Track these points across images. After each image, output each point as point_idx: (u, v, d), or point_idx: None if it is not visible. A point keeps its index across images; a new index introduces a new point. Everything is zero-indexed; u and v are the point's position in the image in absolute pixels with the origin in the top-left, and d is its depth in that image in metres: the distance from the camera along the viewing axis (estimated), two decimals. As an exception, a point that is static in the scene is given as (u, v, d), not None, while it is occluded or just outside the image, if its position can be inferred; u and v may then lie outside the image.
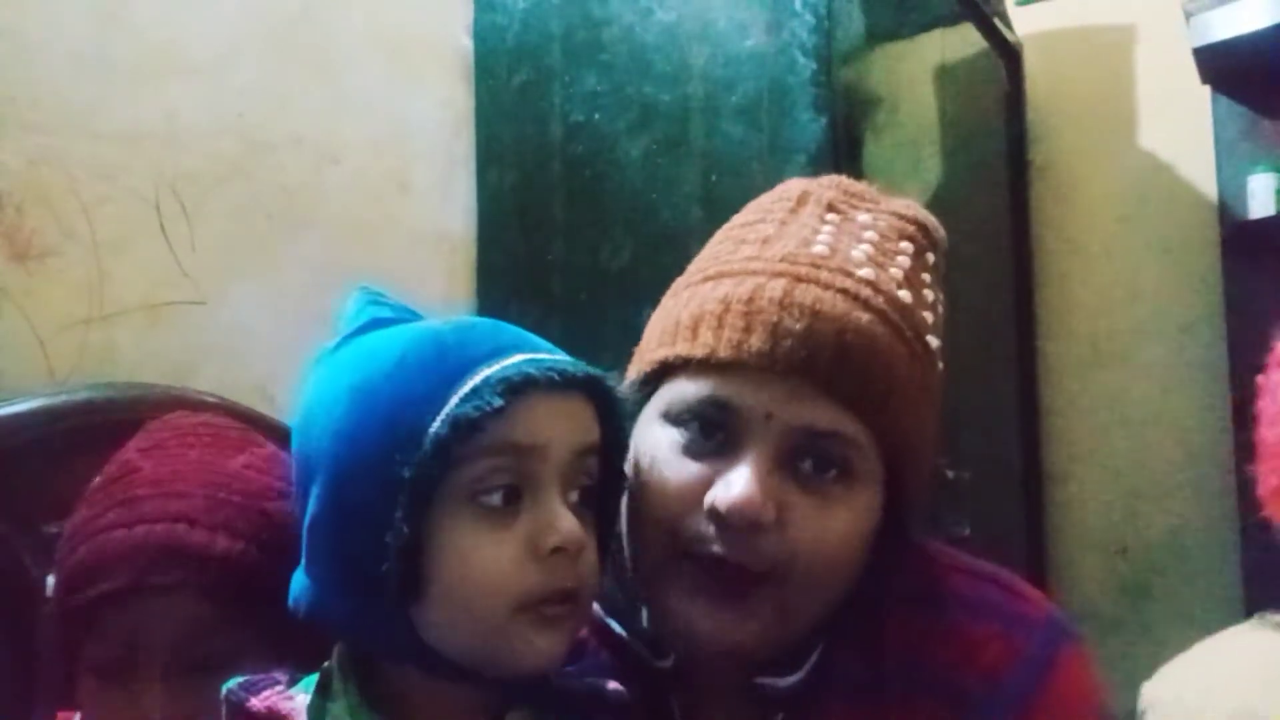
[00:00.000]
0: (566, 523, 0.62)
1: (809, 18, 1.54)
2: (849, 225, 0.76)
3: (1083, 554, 2.34)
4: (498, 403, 0.59)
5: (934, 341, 0.75)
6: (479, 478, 0.60)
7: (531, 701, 0.65)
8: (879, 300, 0.71)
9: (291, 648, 0.68)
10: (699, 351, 0.71)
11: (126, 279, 1.34)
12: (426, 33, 1.79)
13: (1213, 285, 2.18)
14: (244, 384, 1.34)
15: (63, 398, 1.10)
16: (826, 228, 0.75)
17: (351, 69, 1.65)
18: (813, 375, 0.68)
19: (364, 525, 0.60)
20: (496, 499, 0.61)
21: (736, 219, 0.81)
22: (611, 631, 0.76)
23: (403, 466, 0.58)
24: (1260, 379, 1.04)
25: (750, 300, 0.70)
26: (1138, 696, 0.96)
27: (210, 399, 1.16)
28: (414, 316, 0.69)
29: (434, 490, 0.59)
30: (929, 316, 0.75)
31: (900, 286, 0.73)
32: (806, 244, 0.74)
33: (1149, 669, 1.01)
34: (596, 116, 1.71)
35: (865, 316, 0.70)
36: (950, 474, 1.76)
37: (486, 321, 0.67)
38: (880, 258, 0.74)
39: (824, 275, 0.71)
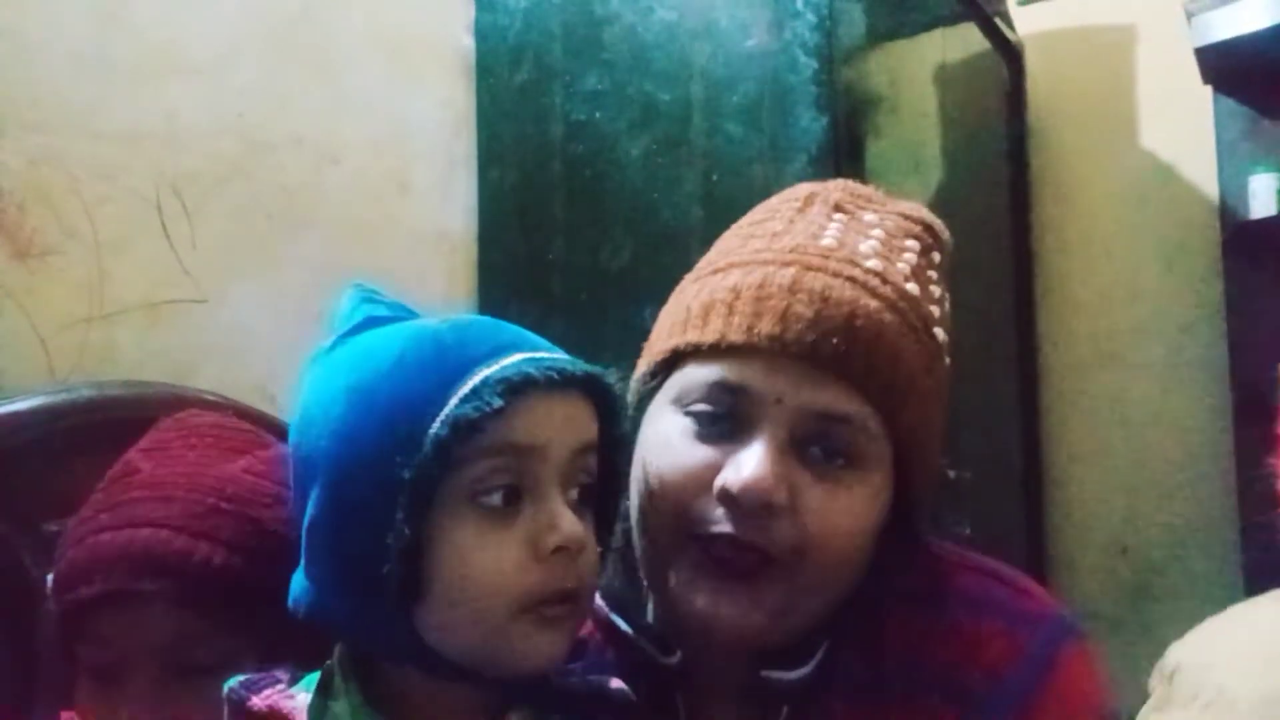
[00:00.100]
0: (567, 522, 0.62)
1: (810, 17, 1.54)
2: (855, 223, 0.77)
3: (1083, 554, 2.34)
4: (498, 403, 0.59)
5: (941, 335, 0.76)
6: (479, 478, 0.60)
7: (532, 701, 0.65)
8: (887, 290, 0.72)
9: (285, 654, 0.68)
10: (709, 337, 0.72)
11: (127, 278, 1.34)
12: (427, 32, 1.79)
13: (1213, 285, 2.18)
14: (244, 383, 1.34)
15: (63, 396, 1.10)
16: (833, 225, 0.76)
17: (351, 69, 1.65)
18: (823, 360, 0.69)
19: (364, 526, 0.60)
20: (496, 499, 0.61)
21: (744, 219, 0.81)
22: (617, 628, 0.76)
23: (403, 468, 0.58)
24: None
25: (760, 287, 0.71)
26: (1165, 659, 0.95)
27: (211, 398, 1.16)
28: (409, 314, 0.68)
29: (434, 491, 0.59)
30: (936, 311, 0.76)
31: (907, 280, 0.74)
32: (815, 238, 0.75)
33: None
34: (597, 116, 1.71)
35: (874, 303, 0.71)
36: (950, 474, 1.76)
37: (484, 320, 0.67)
38: (887, 252, 0.75)
39: (833, 264, 0.72)
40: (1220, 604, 1.02)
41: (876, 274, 0.72)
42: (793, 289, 0.70)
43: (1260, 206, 2.06)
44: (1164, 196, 2.30)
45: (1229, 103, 2.12)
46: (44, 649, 0.90)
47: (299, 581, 0.65)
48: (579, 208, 1.73)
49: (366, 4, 1.68)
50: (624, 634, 0.75)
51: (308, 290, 1.49)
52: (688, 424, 0.72)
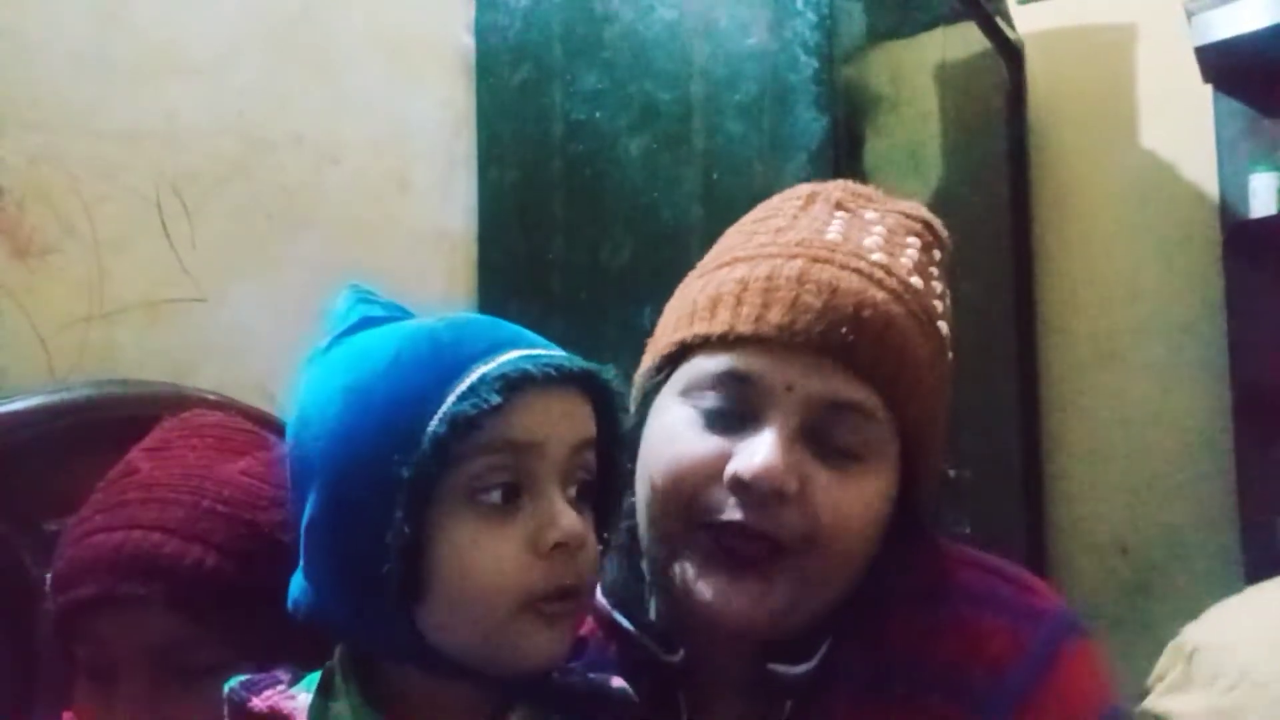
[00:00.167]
0: (567, 519, 0.62)
1: (810, 16, 1.54)
2: (857, 220, 0.77)
3: (1083, 553, 2.34)
4: (495, 400, 0.59)
5: (945, 328, 0.76)
6: (477, 476, 0.60)
7: (533, 700, 0.65)
8: (893, 282, 0.72)
9: (281, 655, 0.67)
10: (717, 329, 0.72)
11: (127, 277, 1.34)
12: (427, 32, 1.79)
13: (1213, 284, 2.18)
14: (244, 382, 1.34)
15: (63, 395, 1.10)
16: (836, 221, 0.76)
17: (351, 68, 1.65)
18: (832, 350, 0.70)
19: (363, 526, 0.59)
20: (495, 497, 0.61)
21: (746, 217, 0.82)
22: (619, 626, 0.76)
23: (401, 466, 0.58)
24: None
25: (768, 279, 0.71)
26: (1181, 640, 0.94)
27: (211, 397, 1.16)
28: (404, 314, 0.68)
29: (433, 489, 0.59)
30: (938, 305, 0.76)
31: (910, 274, 0.75)
32: (820, 232, 0.75)
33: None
34: (597, 115, 1.71)
35: (880, 294, 0.71)
36: (951, 473, 1.76)
37: (480, 318, 0.67)
38: (890, 248, 0.75)
39: (839, 257, 0.72)
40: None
41: (882, 267, 0.73)
42: (800, 280, 0.71)
43: (1260, 205, 2.06)
44: (1164, 195, 2.30)
45: (1229, 102, 2.13)
46: (44, 649, 0.90)
47: (298, 583, 0.65)
48: (579, 207, 1.73)
49: (366, 4, 1.68)
50: (626, 632, 0.75)
51: (308, 289, 1.49)
52: (696, 415, 0.73)
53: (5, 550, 0.98)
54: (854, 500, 0.71)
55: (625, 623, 0.76)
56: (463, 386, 0.59)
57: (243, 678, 0.65)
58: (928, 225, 0.79)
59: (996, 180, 2.35)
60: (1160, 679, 0.93)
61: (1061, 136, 2.42)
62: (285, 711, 0.63)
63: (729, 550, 0.70)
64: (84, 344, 1.29)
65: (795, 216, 0.77)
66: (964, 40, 2.18)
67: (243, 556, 0.73)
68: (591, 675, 0.68)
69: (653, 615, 0.78)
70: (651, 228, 1.64)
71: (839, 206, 0.78)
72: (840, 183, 0.82)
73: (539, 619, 0.61)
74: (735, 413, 0.71)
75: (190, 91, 1.43)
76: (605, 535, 0.70)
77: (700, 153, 1.62)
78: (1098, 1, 2.38)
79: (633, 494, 0.78)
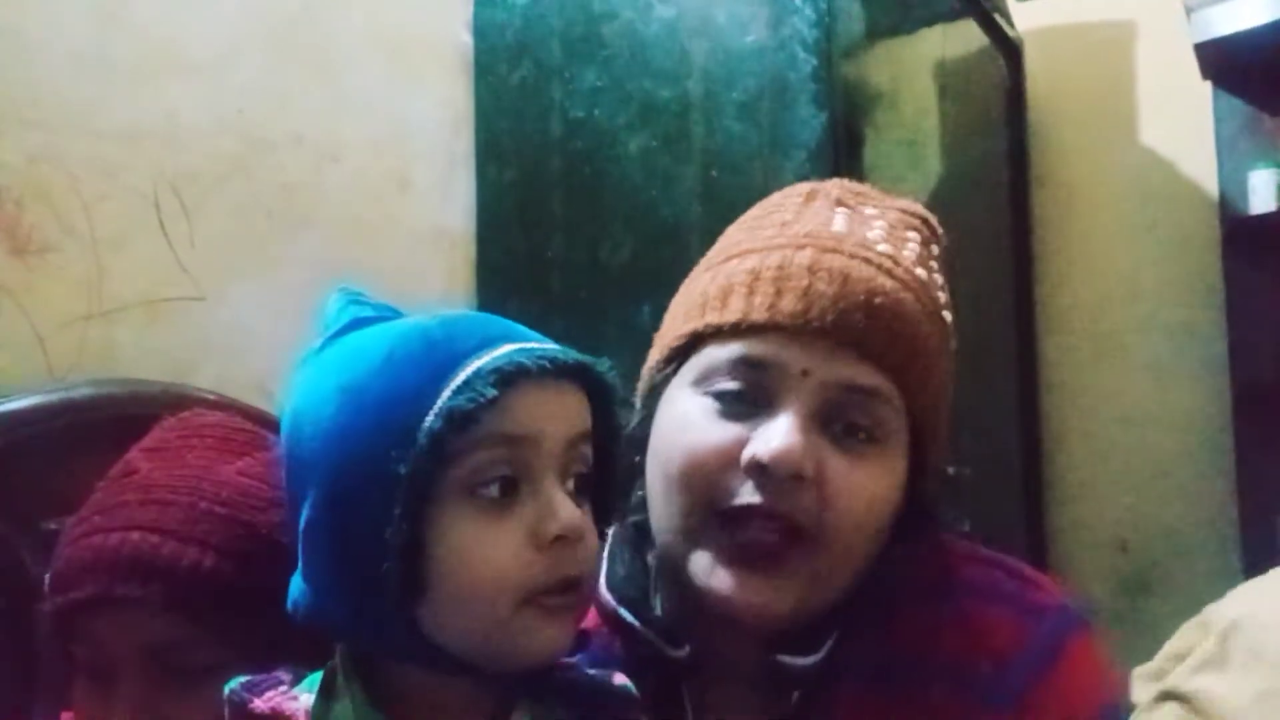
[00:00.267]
0: (566, 511, 0.62)
1: (809, 13, 1.54)
2: (858, 215, 0.78)
3: (1083, 551, 2.34)
4: (491, 393, 0.58)
5: (949, 317, 0.77)
6: (475, 470, 0.60)
7: (535, 697, 0.65)
8: (900, 271, 0.73)
9: (279, 656, 0.67)
10: (730, 318, 0.72)
11: (126, 276, 1.34)
12: (426, 30, 1.79)
13: (1213, 282, 2.18)
14: (243, 381, 1.34)
15: (62, 394, 1.10)
16: (839, 216, 0.77)
17: (351, 67, 1.65)
18: (845, 336, 0.70)
19: (362, 525, 0.59)
20: (494, 491, 0.60)
21: (747, 214, 0.82)
22: (624, 621, 0.76)
23: (398, 463, 0.58)
24: None
25: (780, 268, 0.72)
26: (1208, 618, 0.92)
27: (210, 396, 1.16)
28: (395, 315, 0.68)
29: (430, 485, 0.59)
30: (942, 296, 0.77)
31: (915, 265, 0.76)
32: (826, 224, 0.76)
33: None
34: (596, 113, 1.71)
35: (890, 283, 0.72)
36: (950, 471, 1.76)
37: (472, 314, 0.67)
38: (893, 240, 0.76)
39: (847, 247, 0.73)
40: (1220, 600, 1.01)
41: (889, 257, 0.74)
42: (812, 269, 0.71)
43: (1260, 202, 2.06)
44: (1164, 192, 2.30)
45: (1229, 98, 2.13)
46: (44, 648, 0.90)
47: (297, 585, 0.65)
48: (578, 205, 1.73)
49: (366, 3, 1.68)
50: (631, 627, 0.76)
51: (307, 289, 1.48)
52: (710, 403, 0.73)
53: (4, 549, 0.98)
54: (867, 484, 0.71)
55: (631, 618, 0.76)
56: (457, 381, 0.59)
57: (244, 679, 0.65)
58: (925, 221, 0.80)
59: (995, 177, 2.35)
60: (1178, 656, 0.91)
61: (1061, 134, 2.42)
62: (288, 712, 0.63)
63: (744, 545, 0.70)
64: (83, 343, 1.29)
65: (799, 211, 0.78)
66: (963, 37, 2.18)
67: (241, 557, 0.73)
68: (593, 672, 0.68)
69: (658, 611, 0.78)
70: (651, 225, 1.64)
71: (839, 203, 0.79)
72: (838, 181, 0.82)
73: (541, 612, 0.61)
74: (749, 399, 0.72)
75: (190, 91, 1.43)
76: (603, 529, 0.70)
77: (699, 150, 1.62)
78: (1097, -1, 2.38)
79: (641, 489, 0.78)
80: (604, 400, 0.67)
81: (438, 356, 0.60)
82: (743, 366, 0.72)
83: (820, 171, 1.51)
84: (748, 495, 0.70)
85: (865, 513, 0.71)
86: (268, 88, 1.52)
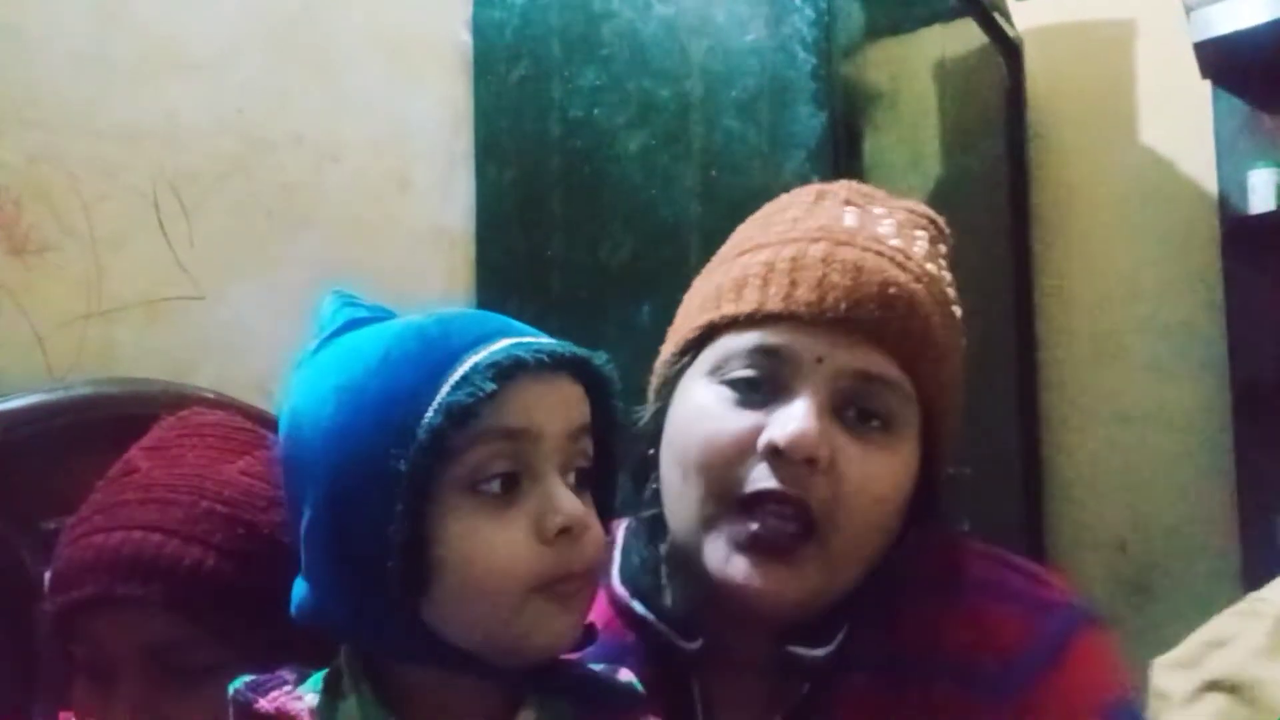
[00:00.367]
0: (569, 504, 0.62)
1: (809, 12, 1.54)
2: (867, 213, 0.79)
3: (1083, 551, 2.34)
4: (490, 387, 0.58)
5: (958, 312, 0.78)
6: (476, 466, 0.60)
7: (543, 693, 0.65)
8: (912, 265, 0.74)
9: (280, 656, 0.67)
10: (746, 308, 0.73)
11: (125, 275, 1.34)
12: (426, 30, 1.79)
13: (1213, 281, 2.18)
14: (243, 380, 1.34)
15: (61, 394, 1.10)
16: (849, 213, 0.78)
17: (351, 67, 1.65)
18: (860, 325, 0.71)
19: (363, 524, 0.59)
20: (495, 486, 0.60)
21: (758, 213, 0.83)
22: (636, 614, 0.76)
23: (398, 460, 0.58)
24: None
25: (795, 259, 0.73)
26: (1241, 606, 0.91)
27: (209, 395, 1.16)
28: (389, 315, 0.68)
29: (431, 482, 0.59)
30: (951, 291, 0.78)
31: (925, 260, 0.77)
32: (837, 219, 0.77)
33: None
34: (596, 112, 1.71)
35: (903, 275, 0.73)
36: (950, 470, 1.76)
37: (467, 311, 0.67)
38: (903, 236, 0.77)
39: (860, 240, 0.74)
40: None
41: (900, 251, 0.75)
42: (826, 260, 0.72)
43: (1259, 201, 2.06)
44: (1163, 192, 2.30)
45: (1228, 98, 2.13)
46: (43, 648, 0.89)
47: (300, 587, 0.65)
48: (578, 204, 1.73)
49: (366, 3, 1.68)
50: (644, 620, 0.76)
51: (307, 288, 1.48)
52: (726, 392, 0.74)
53: (4, 550, 0.98)
54: (879, 472, 0.72)
55: (643, 610, 0.76)
56: (455, 377, 0.59)
57: (248, 679, 0.65)
58: (932, 220, 0.82)
59: (995, 176, 2.35)
60: (1215, 644, 0.90)
61: (1060, 133, 2.42)
62: (292, 712, 0.63)
63: (760, 534, 0.71)
64: (82, 342, 1.29)
65: (809, 209, 0.79)
66: (963, 36, 2.18)
67: (242, 557, 0.73)
68: (598, 667, 0.68)
69: (670, 603, 0.78)
70: (650, 225, 1.64)
71: (848, 202, 0.80)
72: (845, 183, 0.83)
73: (549, 602, 0.61)
74: (765, 387, 0.73)
75: (190, 90, 1.43)
76: (605, 523, 0.70)
77: (699, 150, 1.62)
78: (1096, -2, 2.38)
79: (655, 482, 0.78)
80: (602, 394, 0.67)
81: (435, 353, 0.60)
82: (758, 355, 0.73)
83: (820, 171, 1.51)
84: (763, 480, 0.70)
85: (877, 499, 0.72)
86: (268, 87, 1.52)
